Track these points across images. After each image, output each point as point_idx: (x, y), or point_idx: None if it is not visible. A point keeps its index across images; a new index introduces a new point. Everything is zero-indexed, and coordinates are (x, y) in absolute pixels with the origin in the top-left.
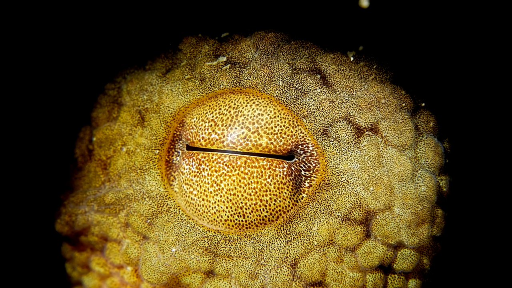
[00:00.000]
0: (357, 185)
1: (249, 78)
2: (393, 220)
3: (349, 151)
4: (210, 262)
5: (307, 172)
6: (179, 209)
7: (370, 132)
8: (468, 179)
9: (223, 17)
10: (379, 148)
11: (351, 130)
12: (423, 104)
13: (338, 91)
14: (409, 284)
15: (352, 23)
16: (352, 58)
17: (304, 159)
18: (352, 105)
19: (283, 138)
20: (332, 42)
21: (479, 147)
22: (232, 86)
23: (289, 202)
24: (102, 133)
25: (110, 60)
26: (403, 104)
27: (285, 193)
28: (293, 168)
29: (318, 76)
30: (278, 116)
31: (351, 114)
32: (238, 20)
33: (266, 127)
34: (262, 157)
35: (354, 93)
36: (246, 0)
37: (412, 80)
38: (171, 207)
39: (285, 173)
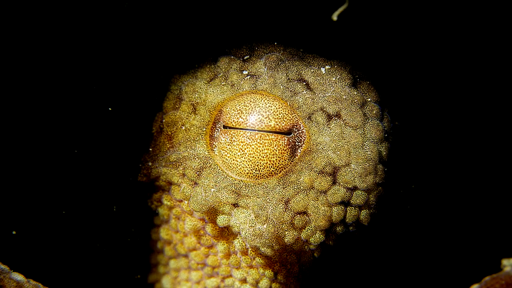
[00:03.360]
0: (328, 151)
1: (261, 84)
2: (350, 172)
3: (323, 130)
4: (235, 198)
5: (298, 143)
6: (217, 166)
7: (336, 118)
8: (400, 146)
9: (246, 47)
10: (341, 128)
11: (325, 116)
12: (369, 99)
13: (316, 92)
14: (362, 213)
15: (326, 46)
16: (324, 71)
17: (297, 135)
18: (325, 101)
19: (284, 121)
20: (312, 60)
21: (410, 123)
22: (251, 89)
23: (288, 162)
24: (169, 117)
25: (175, 71)
26: (355, 100)
27: (285, 156)
28: (290, 141)
29: (304, 83)
30: (281, 108)
31: (324, 106)
32: (255, 48)
33: (274, 114)
34: (271, 133)
35: (326, 93)
36: (257, 34)
37: (362, 84)
38: (211, 165)
39: (285, 143)
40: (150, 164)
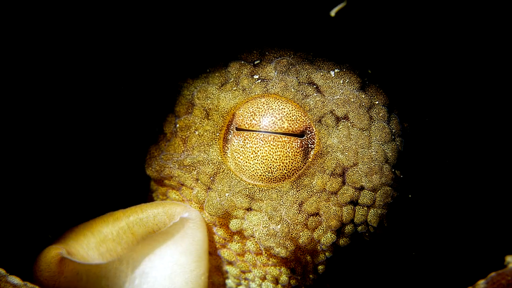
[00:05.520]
0: (337, 152)
1: (272, 87)
2: (357, 172)
3: (332, 132)
4: (249, 202)
5: (311, 145)
6: (230, 170)
7: (344, 120)
8: (409, 147)
9: (256, 52)
10: (349, 130)
11: (334, 118)
12: (377, 102)
13: (325, 95)
14: (370, 213)
15: (336, 49)
16: (333, 74)
17: (310, 137)
18: (334, 103)
19: (297, 123)
20: (321, 64)
21: (420, 124)
22: (263, 93)
23: (301, 164)
24: (182, 122)
25: (188, 77)
26: (363, 103)
27: (298, 158)
28: (303, 143)
29: (314, 86)
30: (294, 110)
31: (333, 109)
32: (265, 53)
33: (287, 116)
34: (284, 135)
35: (335, 96)
36: (269, 43)
37: (370, 87)
38: (225, 169)
39: (298, 145)
40: (163, 162)
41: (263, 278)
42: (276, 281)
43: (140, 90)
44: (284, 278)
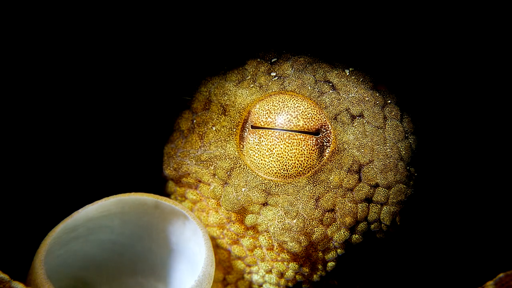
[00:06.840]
0: (353, 149)
1: (289, 85)
2: (372, 169)
3: (348, 129)
4: (265, 197)
5: (326, 143)
6: (246, 166)
7: (359, 117)
8: (421, 145)
9: (273, 51)
10: (364, 127)
11: (349, 116)
12: (389, 101)
13: (340, 93)
14: (383, 209)
15: (351, 48)
16: (348, 73)
17: (325, 135)
18: (349, 101)
19: (313, 121)
20: (336, 62)
21: (433, 123)
22: (279, 90)
23: (316, 162)
24: (199, 118)
25: (206, 74)
26: (377, 102)
27: (313, 156)
28: (318, 141)
29: (330, 84)
30: (309, 108)
31: (348, 107)
32: (282, 52)
33: (302, 114)
34: (300, 133)
35: (350, 94)
36: (286, 42)
37: (383, 87)
38: (241, 165)
39: (314, 143)
40: (180, 159)
41: (269, 272)
42: (281, 275)
43: (154, 89)
44: (290, 273)
